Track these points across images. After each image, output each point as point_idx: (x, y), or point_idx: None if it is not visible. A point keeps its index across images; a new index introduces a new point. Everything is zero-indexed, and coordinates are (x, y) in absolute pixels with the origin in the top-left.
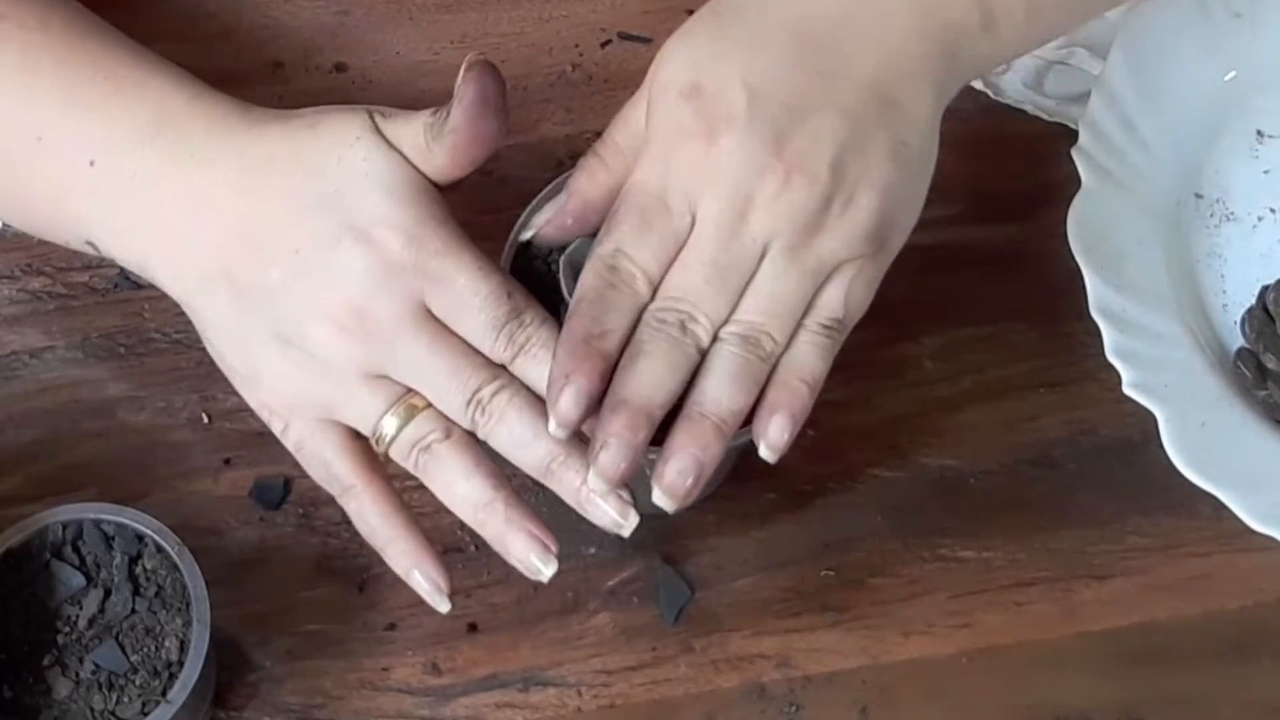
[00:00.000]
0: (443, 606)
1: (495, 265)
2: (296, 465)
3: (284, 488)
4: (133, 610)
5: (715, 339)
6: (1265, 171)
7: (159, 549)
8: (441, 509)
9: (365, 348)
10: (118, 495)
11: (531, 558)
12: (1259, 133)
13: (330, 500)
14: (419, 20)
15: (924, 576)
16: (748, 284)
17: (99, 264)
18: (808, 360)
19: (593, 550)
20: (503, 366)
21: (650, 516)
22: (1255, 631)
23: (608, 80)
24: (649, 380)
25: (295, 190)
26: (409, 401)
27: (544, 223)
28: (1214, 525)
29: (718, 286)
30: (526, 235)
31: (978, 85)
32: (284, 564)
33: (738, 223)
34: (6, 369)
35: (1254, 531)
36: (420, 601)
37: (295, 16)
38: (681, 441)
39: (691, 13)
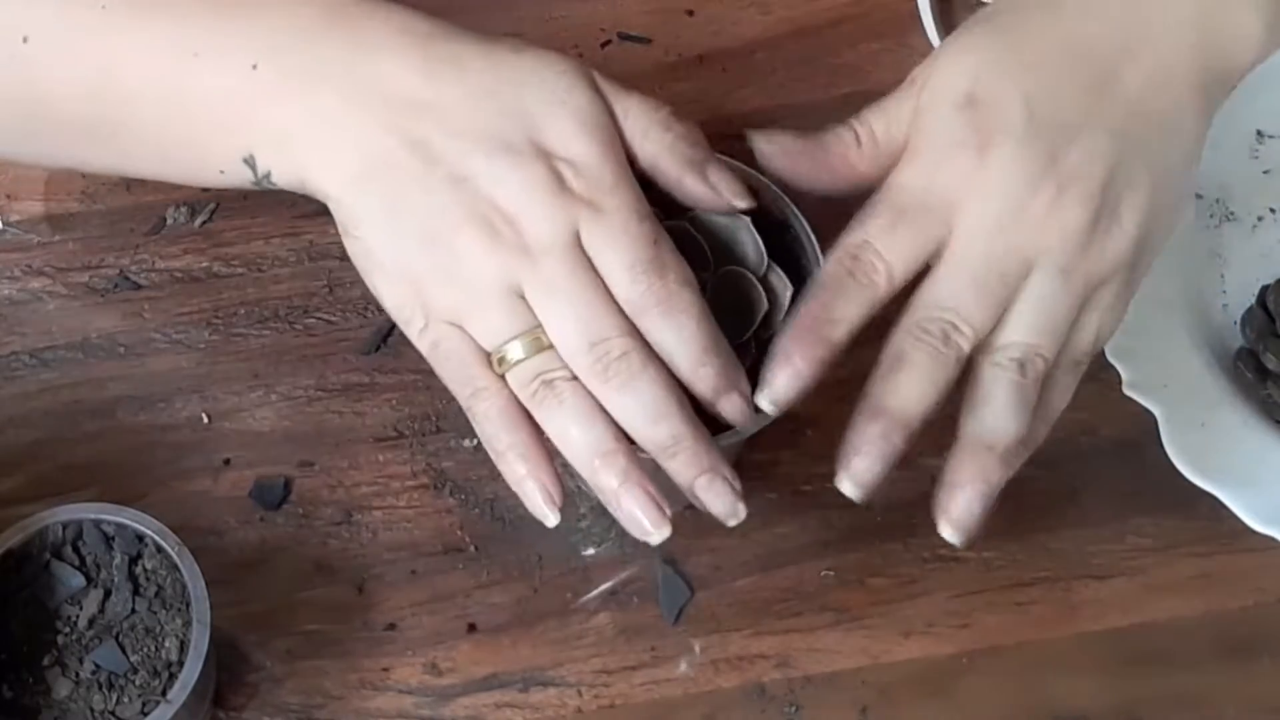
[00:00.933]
0: (551, 519)
1: (655, 217)
2: (297, 465)
3: (284, 488)
4: (133, 610)
5: (983, 356)
6: (1265, 171)
7: (159, 549)
8: (442, 509)
9: (510, 260)
10: (118, 495)
11: (643, 518)
12: (1259, 133)
13: (330, 500)
14: None
15: (924, 576)
16: (1011, 299)
17: (99, 264)
18: (1057, 400)
19: (592, 550)
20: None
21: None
22: (1255, 631)
23: None
24: (910, 392)
25: (487, 92)
26: (537, 335)
27: (782, 148)
28: (1214, 525)
29: (983, 297)
30: (755, 143)
31: None
32: (284, 564)
33: (1006, 234)
34: (6, 369)
35: (1254, 531)
36: (420, 601)
37: None
38: (968, 475)
39: (691, 13)
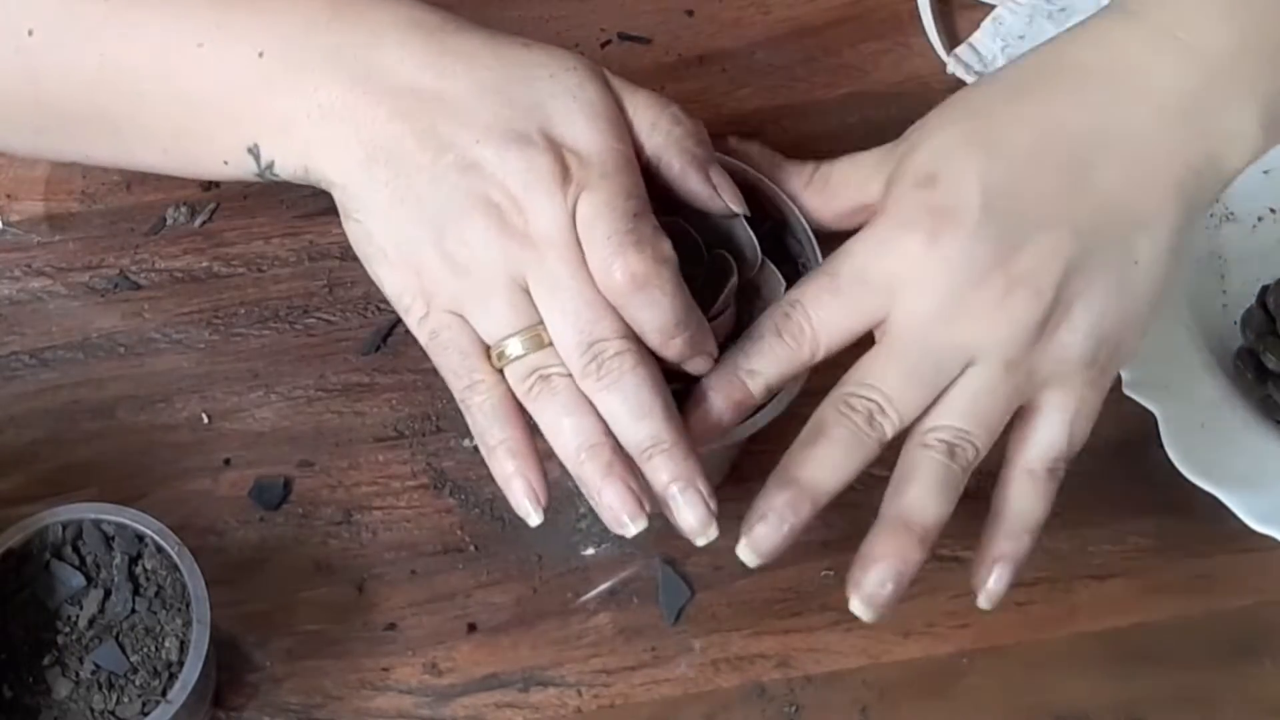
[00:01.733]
0: (534, 518)
1: (646, 201)
2: (297, 465)
3: (284, 488)
4: (133, 610)
5: (912, 437)
6: (1265, 171)
7: (159, 549)
8: (442, 509)
9: (517, 250)
10: (118, 495)
11: (622, 512)
12: None
13: (330, 500)
14: None
15: (924, 576)
16: (945, 388)
17: (99, 264)
18: (1034, 509)
19: (592, 550)
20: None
21: (650, 516)
22: (1255, 631)
23: None
24: (824, 465)
25: (496, 85)
26: (537, 333)
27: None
28: (1214, 525)
29: (915, 385)
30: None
31: None
32: (284, 564)
33: (945, 325)
34: (6, 369)
35: (1254, 531)
36: (420, 601)
37: None
38: (883, 550)
39: (691, 13)
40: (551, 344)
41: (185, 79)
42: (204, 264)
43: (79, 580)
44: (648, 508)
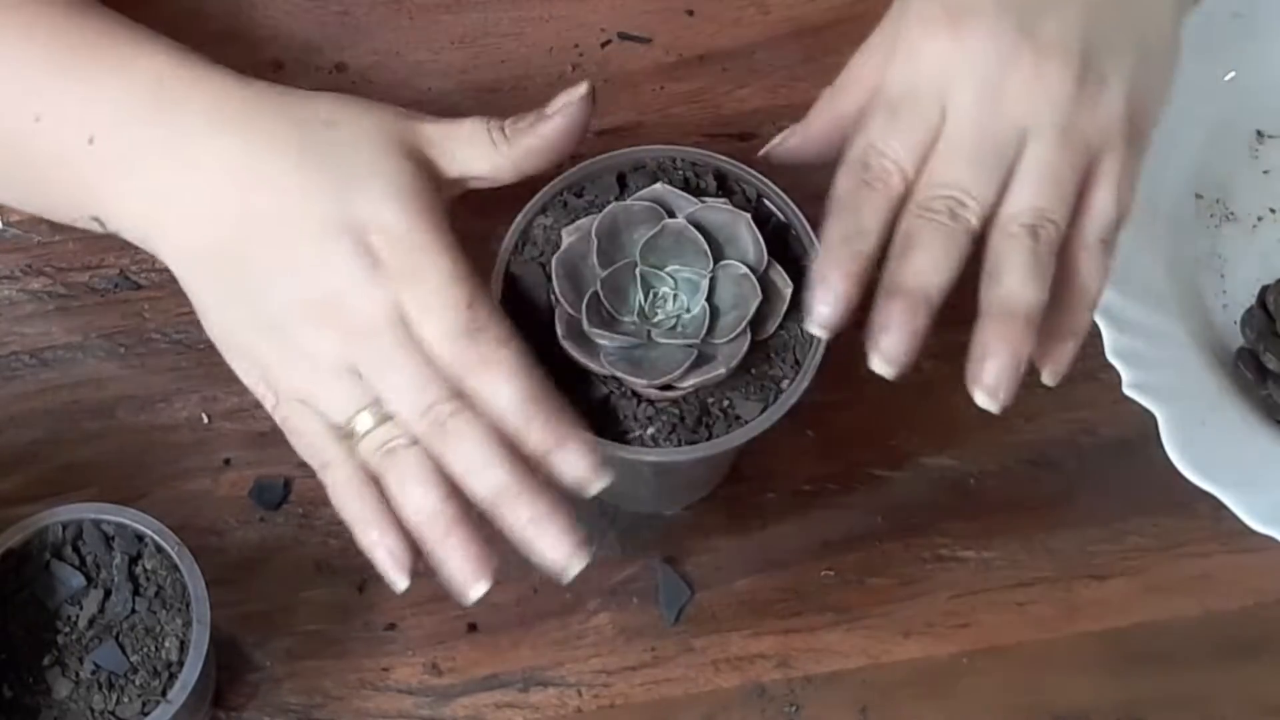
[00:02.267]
0: (400, 585)
1: (472, 277)
2: (298, 465)
3: (284, 488)
4: (133, 610)
5: (994, 229)
6: (1265, 171)
7: (159, 549)
8: None
9: (344, 345)
10: (118, 495)
11: (461, 575)
12: (1259, 133)
13: (330, 500)
14: (419, 20)
15: (924, 576)
16: (1011, 170)
17: (99, 264)
18: (1095, 283)
19: (592, 550)
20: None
21: (651, 516)
22: (1255, 631)
23: (608, 80)
24: (924, 267)
25: (299, 177)
26: (380, 406)
27: (783, 139)
28: (1214, 525)
29: (981, 171)
30: (767, 150)
31: None
32: (284, 564)
33: (994, 108)
34: (6, 369)
35: (1254, 531)
36: (420, 601)
37: (295, 16)
38: (997, 343)
39: (691, 13)
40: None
41: (26, 150)
42: None
43: (79, 580)
44: (493, 564)
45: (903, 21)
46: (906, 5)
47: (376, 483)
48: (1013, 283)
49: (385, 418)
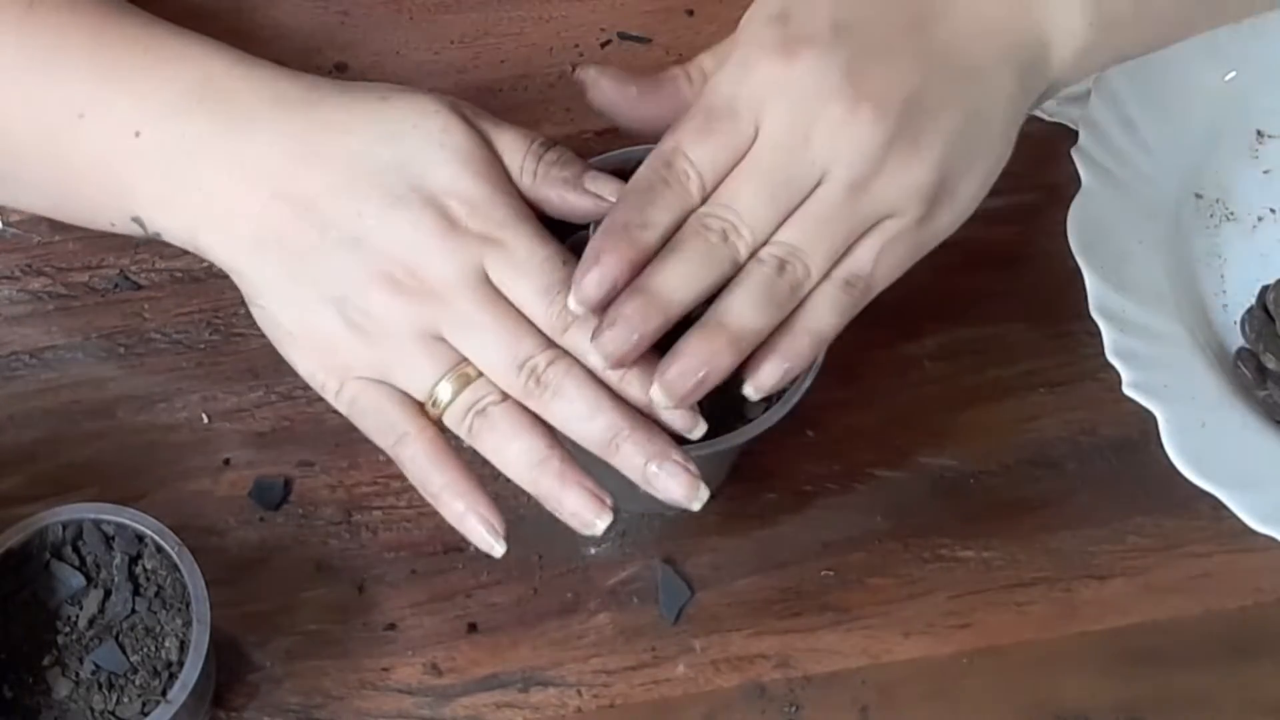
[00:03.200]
0: (498, 550)
1: (552, 237)
2: (297, 465)
3: (284, 488)
4: (133, 610)
5: (753, 257)
6: (1265, 171)
7: (159, 549)
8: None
9: (422, 308)
10: (118, 495)
11: (586, 513)
12: (1259, 133)
13: (330, 500)
14: (419, 20)
15: (924, 576)
16: (795, 207)
17: (99, 264)
18: (821, 314)
19: (593, 550)
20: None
21: (650, 516)
22: (1255, 631)
23: None
24: (675, 276)
25: (363, 153)
26: (463, 370)
27: (619, 89)
28: (1214, 525)
29: (768, 202)
30: (582, 74)
31: None
32: (284, 564)
33: (800, 142)
34: (6, 369)
35: (1254, 531)
36: (420, 601)
37: (295, 16)
38: (693, 347)
39: (691, 13)
40: (479, 378)
41: (67, 149)
42: (204, 264)
43: (79, 580)
44: (609, 502)
45: (746, 30)
46: (749, 19)
47: (454, 448)
48: (736, 302)
49: (466, 382)
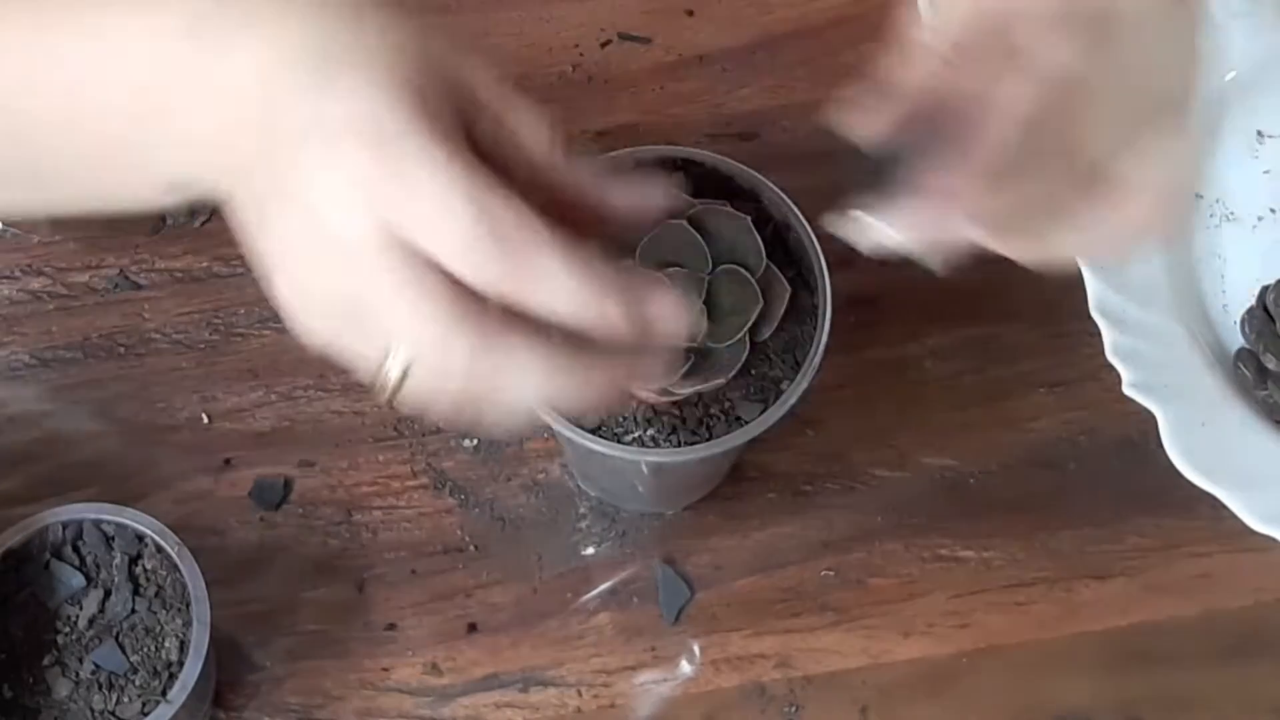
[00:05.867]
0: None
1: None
2: (297, 465)
3: (284, 488)
4: (133, 610)
5: None
6: (1265, 171)
7: (159, 549)
8: (442, 509)
9: (341, 278)
10: (118, 495)
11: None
12: (1259, 133)
13: (330, 500)
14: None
15: (924, 576)
16: None
17: (99, 264)
18: None
19: (592, 550)
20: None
21: (651, 516)
22: (1255, 631)
23: (608, 80)
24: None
25: (301, 82)
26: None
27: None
28: (1214, 525)
29: None
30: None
31: None
32: (284, 564)
33: None
34: (6, 369)
35: (1254, 531)
36: (420, 601)
37: None
38: None
39: (691, 13)
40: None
41: (75, 133)
42: (204, 264)
43: (79, 580)
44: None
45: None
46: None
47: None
48: None
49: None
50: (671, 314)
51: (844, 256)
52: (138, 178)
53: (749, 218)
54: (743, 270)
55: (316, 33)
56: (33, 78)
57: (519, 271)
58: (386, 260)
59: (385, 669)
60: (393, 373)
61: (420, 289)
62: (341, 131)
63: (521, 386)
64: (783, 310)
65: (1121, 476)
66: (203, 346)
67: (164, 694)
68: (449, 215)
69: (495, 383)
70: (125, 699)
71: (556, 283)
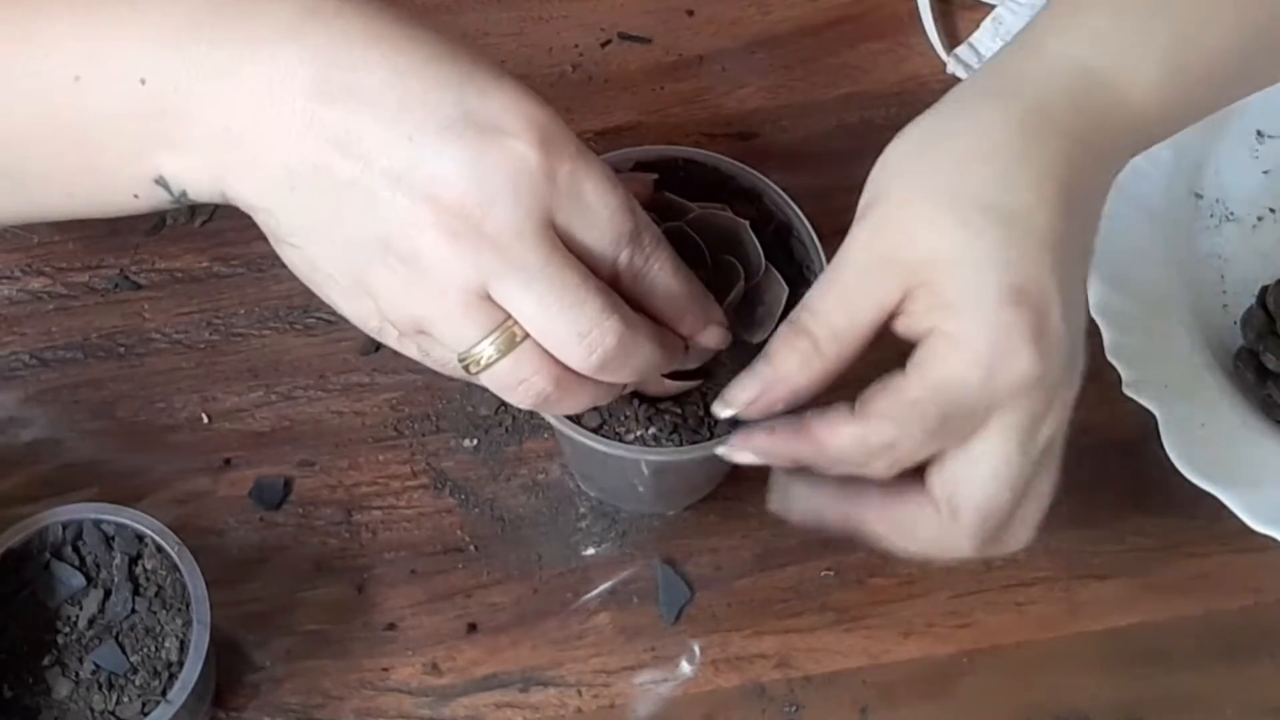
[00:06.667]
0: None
1: (618, 179)
2: (297, 465)
3: (284, 488)
4: (133, 610)
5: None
6: (1265, 171)
7: (159, 549)
8: (442, 509)
9: (477, 254)
10: (118, 495)
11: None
12: (1259, 133)
13: (330, 500)
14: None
15: (924, 576)
16: None
17: (99, 264)
18: None
19: (592, 550)
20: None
21: (651, 516)
22: (1255, 631)
23: (608, 80)
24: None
25: (409, 69)
26: (510, 329)
27: (747, 403)
28: (1214, 525)
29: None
30: (725, 413)
31: None
32: (284, 564)
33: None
34: (6, 369)
35: (1254, 531)
36: (420, 601)
37: None
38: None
39: (691, 13)
40: (525, 339)
41: (67, 118)
42: (204, 264)
43: (79, 580)
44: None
45: (969, 318)
46: (976, 294)
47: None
48: None
49: (513, 344)
50: (715, 341)
51: None
52: (126, 181)
53: (747, 222)
54: (742, 271)
55: (384, 24)
56: (37, 78)
57: (644, 274)
58: (547, 243)
59: (385, 669)
60: (487, 353)
61: (570, 270)
62: (503, 121)
63: (629, 371)
64: (782, 310)
65: (1121, 476)
66: (203, 346)
67: (164, 694)
68: (610, 211)
69: (619, 367)
70: (125, 699)
71: (670, 281)
